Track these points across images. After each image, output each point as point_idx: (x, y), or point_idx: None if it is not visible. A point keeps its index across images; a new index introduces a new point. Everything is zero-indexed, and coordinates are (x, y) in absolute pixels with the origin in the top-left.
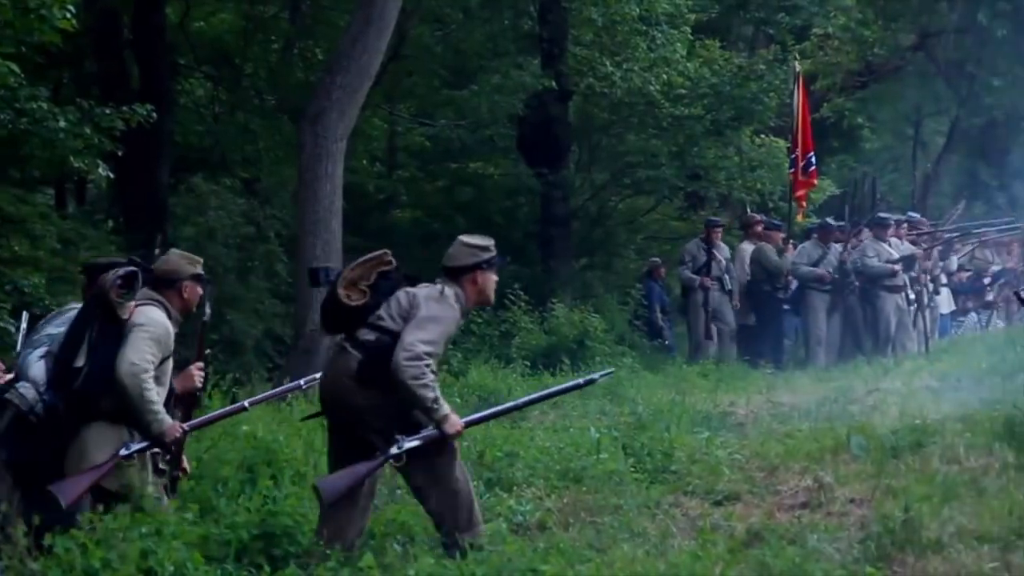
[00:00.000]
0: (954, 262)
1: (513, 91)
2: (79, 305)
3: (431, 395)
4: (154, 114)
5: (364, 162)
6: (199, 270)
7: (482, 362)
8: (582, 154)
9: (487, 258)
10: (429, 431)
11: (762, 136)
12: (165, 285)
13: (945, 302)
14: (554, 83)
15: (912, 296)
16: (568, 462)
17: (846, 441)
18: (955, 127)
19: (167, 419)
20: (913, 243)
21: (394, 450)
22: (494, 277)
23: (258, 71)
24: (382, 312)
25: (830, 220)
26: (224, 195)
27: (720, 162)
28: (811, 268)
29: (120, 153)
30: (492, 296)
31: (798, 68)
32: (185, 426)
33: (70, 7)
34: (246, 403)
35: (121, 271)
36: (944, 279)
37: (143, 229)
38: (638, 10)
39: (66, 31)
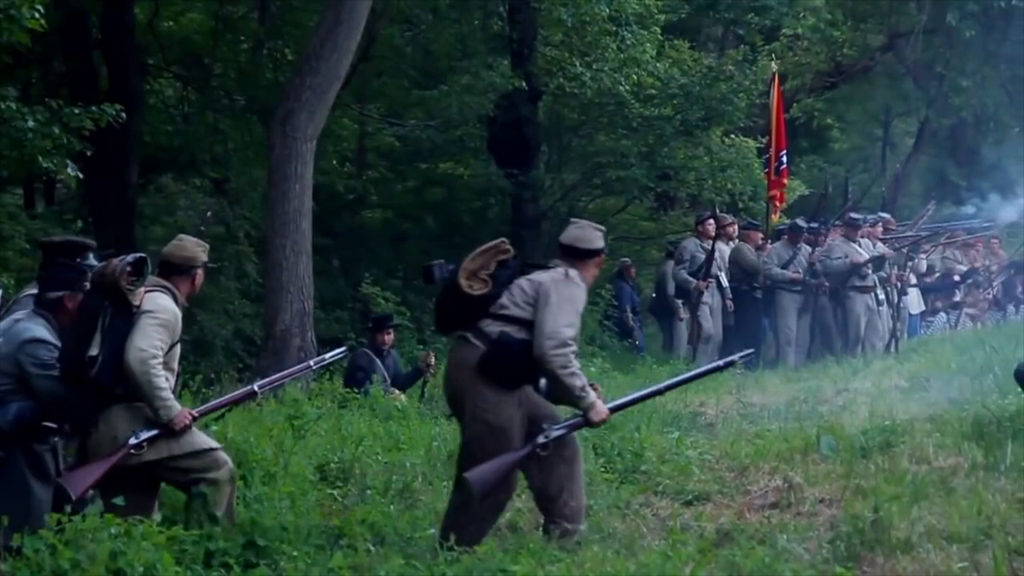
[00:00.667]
0: (923, 263)
1: (483, 91)
2: (32, 291)
3: (579, 383)
4: (123, 114)
5: (334, 162)
6: (207, 257)
7: None
8: (552, 154)
9: (605, 245)
10: (574, 419)
11: (732, 136)
12: (177, 271)
13: (915, 302)
14: (524, 83)
15: (882, 296)
16: None
17: (816, 441)
18: (924, 127)
19: (176, 406)
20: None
21: (541, 439)
22: None
23: (227, 71)
24: (505, 301)
25: (800, 221)
26: (193, 195)
27: (690, 162)
28: (782, 270)
29: (89, 153)
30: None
31: (775, 68)
32: (195, 412)
33: (39, 7)
34: (255, 386)
35: (130, 258)
36: (913, 279)
37: (112, 229)
38: (607, 10)
39: (35, 31)
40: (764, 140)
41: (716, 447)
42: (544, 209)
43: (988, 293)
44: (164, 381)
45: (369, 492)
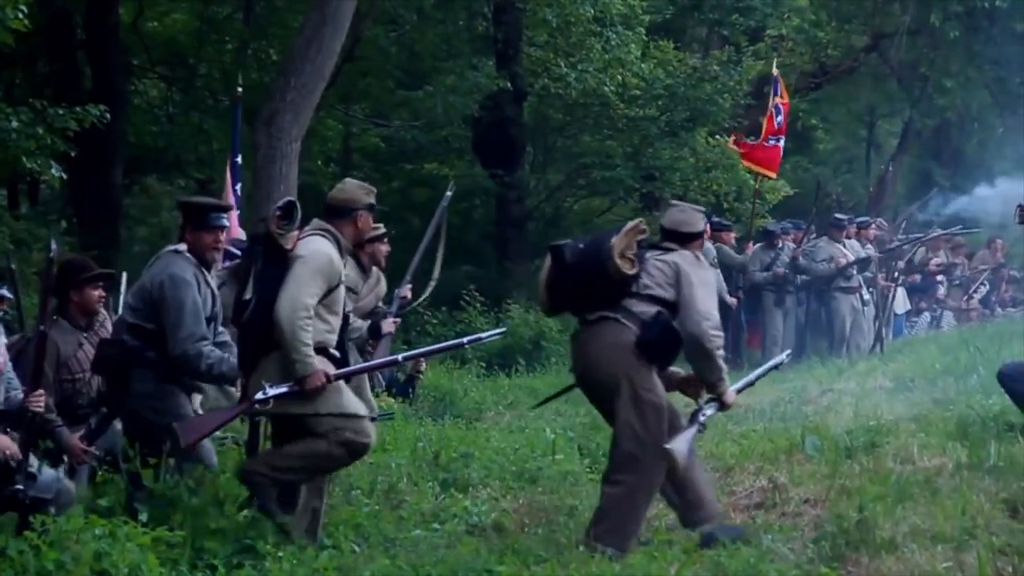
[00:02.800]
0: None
1: (468, 92)
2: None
3: (724, 366)
4: (107, 115)
5: (319, 163)
6: (374, 200)
7: (438, 362)
8: (537, 155)
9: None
10: (713, 402)
11: (717, 137)
12: (338, 214)
13: (900, 302)
14: (509, 84)
15: (867, 297)
16: (523, 463)
17: (800, 441)
18: (908, 128)
19: (314, 363)
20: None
21: (702, 417)
22: None
23: (212, 72)
24: (647, 281)
25: (770, 226)
26: (178, 195)
27: (675, 163)
28: (764, 273)
29: (73, 154)
30: None
31: (776, 71)
32: (331, 374)
33: (22, 7)
34: (399, 357)
35: (281, 202)
36: (899, 279)
37: (96, 230)
38: (592, 11)
39: (19, 31)
40: (750, 139)
41: (701, 447)
42: (529, 209)
43: (975, 294)
44: (309, 336)
45: (355, 493)
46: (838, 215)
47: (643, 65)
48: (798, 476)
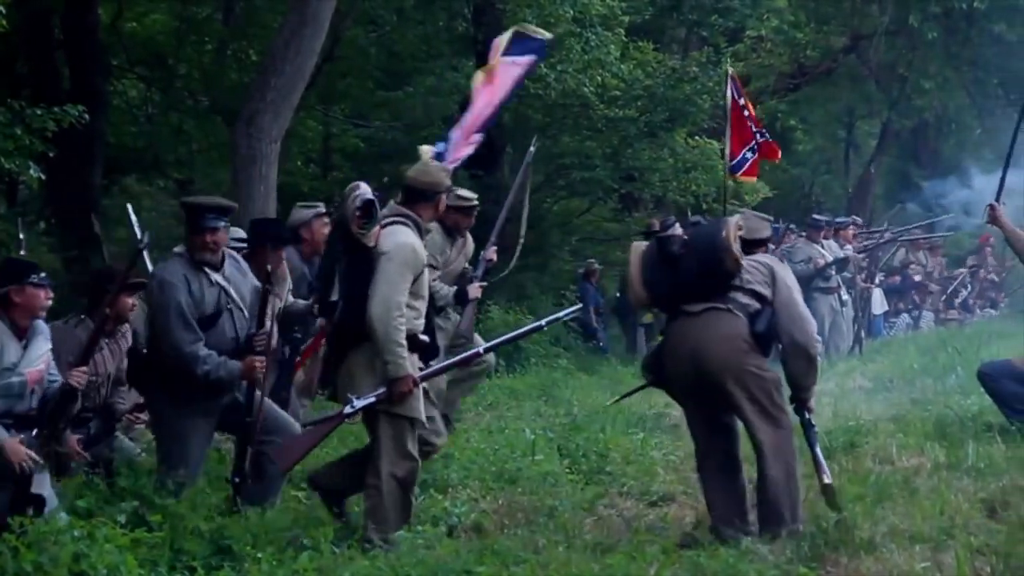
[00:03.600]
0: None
1: (448, 93)
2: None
3: (817, 370)
4: (86, 115)
5: (299, 164)
6: (450, 181)
7: None
8: (516, 156)
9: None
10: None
11: (696, 138)
12: (421, 197)
13: (878, 303)
14: None
15: (846, 297)
16: (503, 463)
17: None
18: (887, 129)
19: (406, 366)
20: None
21: (815, 428)
22: None
23: (191, 72)
24: (749, 277)
25: None
26: (158, 196)
27: (654, 164)
28: None
29: (52, 154)
30: None
31: (730, 70)
32: (417, 377)
33: (0, 8)
34: (480, 349)
35: (359, 201)
36: (877, 280)
37: (75, 230)
38: (572, 12)
39: None
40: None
41: (681, 448)
42: None
43: (955, 296)
44: (403, 336)
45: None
46: (816, 216)
47: (622, 66)
48: None
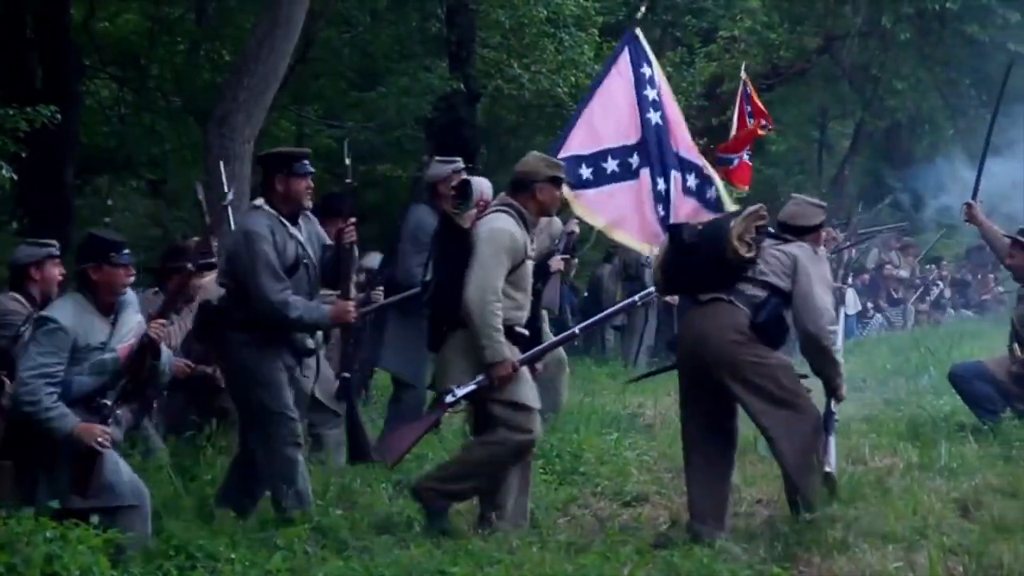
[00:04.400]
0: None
1: (421, 93)
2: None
3: (841, 361)
4: (58, 115)
5: None
6: (558, 172)
7: None
8: (491, 156)
9: (824, 221)
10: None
11: None
12: (520, 188)
13: (851, 303)
14: (462, 85)
15: None
16: None
17: (753, 442)
18: (860, 129)
19: (503, 350)
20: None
21: (836, 420)
22: None
23: (164, 72)
24: (763, 268)
25: None
26: (130, 196)
27: None
28: None
29: (24, 155)
30: None
31: (743, 75)
32: (516, 361)
33: None
34: (576, 329)
35: (454, 182)
36: (849, 280)
37: (48, 231)
38: (545, 12)
39: None
40: (703, 141)
41: (654, 448)
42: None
43: (928, 296)
44: (498, 320)
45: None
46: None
47: (596, 66)
48: (751, 477)
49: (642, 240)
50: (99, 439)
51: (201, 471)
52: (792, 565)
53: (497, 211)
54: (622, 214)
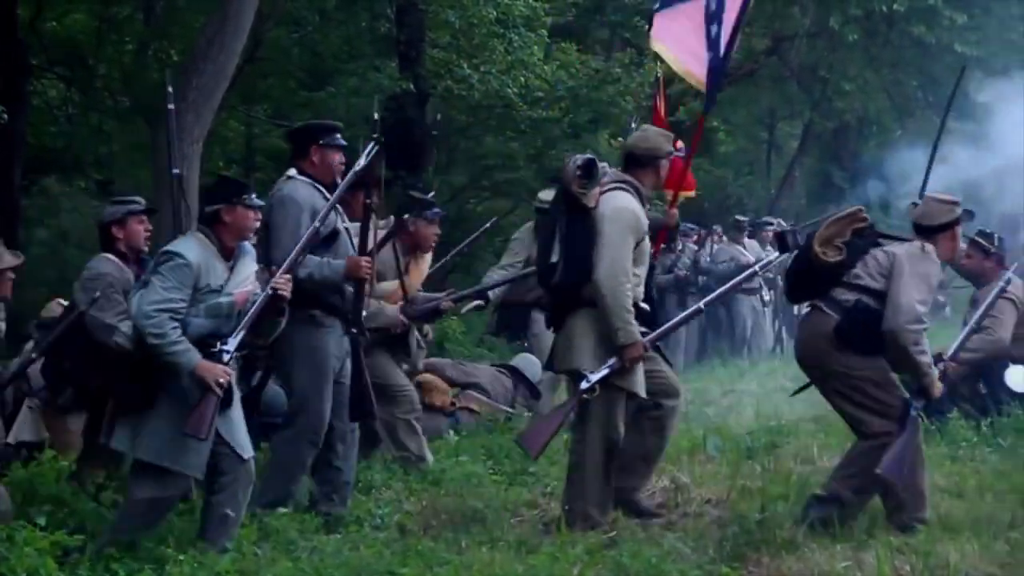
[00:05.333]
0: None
1: (370, 93)
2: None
3: (927, 360)
4: (5, 115)
5: (221, 164)
6: (673, 147)
7: None
8: (440, 156)
9: (960, 214)
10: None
11: (619, 139)
12: (639, 164)
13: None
14: (411, 85)
15: (768, 298)
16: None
17: (702, 442)
18: (808, 130)
19: (636, 332)
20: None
21: (913, 412)
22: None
23: (112, 72)
24: (859, 271)
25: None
26: (78, 197)
27: None
28: (665, 276)
29: None
30: (955, 253)
31: (659, 72)
32: (647, 341)
33: None
34: (701, 305)
35: (580, 160)
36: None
37: None
38: (495, 13)
39: None
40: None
41: None
42: None
43: None
44: (630, 301)
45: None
46: (738, 216)
47: (546, 67)
48: (700, 476)
49: (685, 67)
50: (220, 379)
51: None
52: (741, 565)
53: (616, 188)
54: (676, 37)
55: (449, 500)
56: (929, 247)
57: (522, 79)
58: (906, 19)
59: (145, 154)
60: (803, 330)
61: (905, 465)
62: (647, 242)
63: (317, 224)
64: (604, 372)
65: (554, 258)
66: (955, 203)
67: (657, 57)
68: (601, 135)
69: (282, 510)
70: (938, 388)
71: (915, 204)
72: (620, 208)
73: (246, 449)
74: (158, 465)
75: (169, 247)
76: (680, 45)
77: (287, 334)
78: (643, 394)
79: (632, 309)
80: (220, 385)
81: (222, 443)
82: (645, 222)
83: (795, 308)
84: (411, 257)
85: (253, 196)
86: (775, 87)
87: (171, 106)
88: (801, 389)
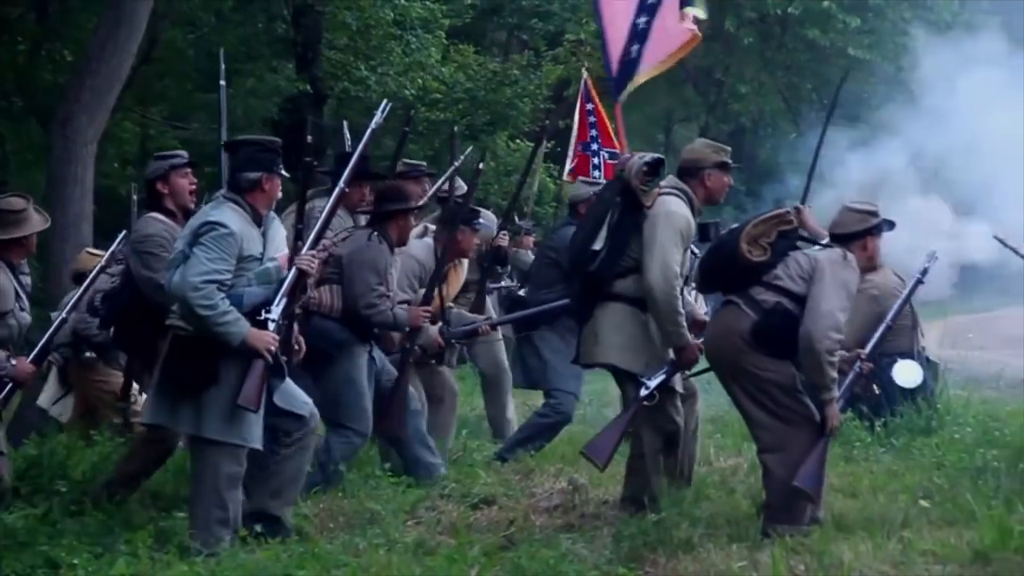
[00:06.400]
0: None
1: (268, 95)
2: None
3: (834, 373)
4: None
5: (116, 165)
6: (725, 158)
7: None
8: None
9: (876, 223)
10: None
11: (517, 141)
12: (688, 174)
13: (700, 306)
14: (309, 87)
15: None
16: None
17: None
18: (704, 133)
19: (688, 335)
20: None
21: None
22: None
23: (4, 72)
24: (780, 272)
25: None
26: None
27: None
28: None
29: None
30: (878, 259)
31: (585, 75)
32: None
33: None
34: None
35: (648, 157)
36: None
37: None
38: (392, 15)
39: None
40: (551, 144)
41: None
42: None
43: None
44: (681, 304)
45: (151, 499)
46: None
47: (444, 69)
48: (598, 478)
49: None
50: (271, 346)
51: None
52: (638, 565)
53: (671, 194)
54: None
55: (346, 502)
56: (851, 256)
57: (419, 80)
58: (800, 23)
59: (39, 155)
60: (716, 326)
61: (818, 478)
62: (688, 253)
63: (333, 201)
64: (661, 378)
65: (597, 245)
66: (871, 213)
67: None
68: (499, 136)
69: None
70: (836, 413)
71: (796, 208)
72: (674, 213)
73: (304, 407)
74: (225, 442)
75: (212, 217)
76: (611, 26)
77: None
78: (679, 388)
79: (683, 312)
80: (271, 352)
81: (280, 413)
82: (693, 231)
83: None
84: (450, 265)
85: (281, 165)
86: (671, 90)
87: (222, 82)
88: (697, 373)
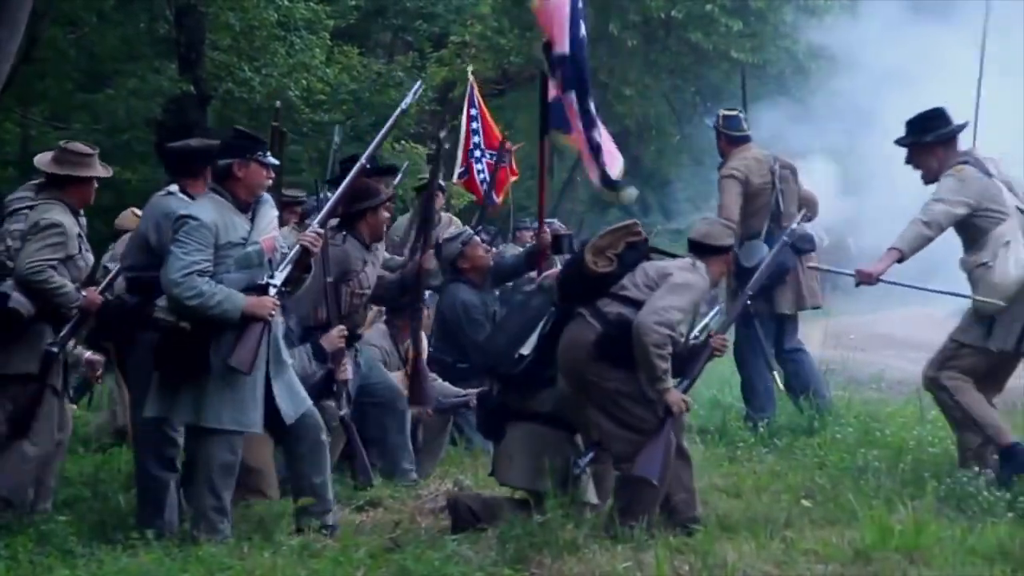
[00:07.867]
0: None
1: (150, 95)
2: None
3: (664, 365)
4: None
5: None
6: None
7: None
8: None
9: (734, 243)
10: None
11: (402, 143)
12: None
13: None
14: (192, 88)
15: None
16: None
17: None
18: None
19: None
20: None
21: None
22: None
23: None
24: (626, 282)
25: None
26: None
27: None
28: None
29: None
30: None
31: (471, 78)
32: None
33: None
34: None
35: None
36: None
37: None
38: (276, 16)
39: None
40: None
41: None
42: None
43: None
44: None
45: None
46: (521, 220)
47: (328, 70)
48: (482, 479)
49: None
50: (272, 312)
51: None
52: (524, 567)
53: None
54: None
55: (232, 507)
56: (700, 264)
57: (304, 81)
58: (684, 26)
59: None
60: (565, 338)
61: (660, 464)
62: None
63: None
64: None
65: (526, 350)
66: (732, 228)
67: (458, 54)
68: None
69: None
70: (675, 399)
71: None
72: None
73: (299, 407)
74: (224, 430)
75: (182, 211)
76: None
77: None
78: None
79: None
80: (272, 316)
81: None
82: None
83: None
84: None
85: (269, 154)
86: None
87: None
88: None
